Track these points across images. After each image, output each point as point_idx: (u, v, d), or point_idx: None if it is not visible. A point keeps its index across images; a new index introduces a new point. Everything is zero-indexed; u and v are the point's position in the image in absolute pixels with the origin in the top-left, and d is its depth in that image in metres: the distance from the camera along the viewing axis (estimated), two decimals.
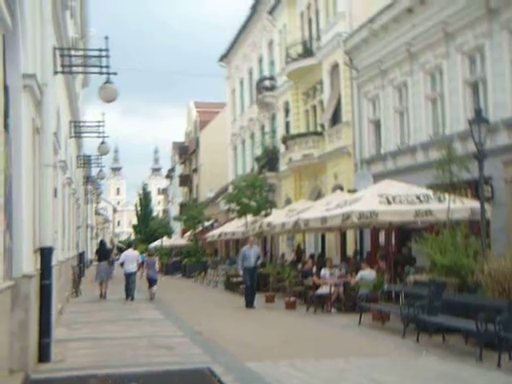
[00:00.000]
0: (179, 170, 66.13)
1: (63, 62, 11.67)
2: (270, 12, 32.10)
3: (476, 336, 9.68)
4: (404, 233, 18.79)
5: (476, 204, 13.46)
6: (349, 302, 15.61)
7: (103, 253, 23.27)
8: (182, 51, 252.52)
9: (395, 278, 15.93)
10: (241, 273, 18.81)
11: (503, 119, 15.20)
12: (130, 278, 21.25)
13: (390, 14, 20.48)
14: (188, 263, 37.94)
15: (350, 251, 22.50)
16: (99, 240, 35.64)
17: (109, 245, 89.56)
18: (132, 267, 21.50)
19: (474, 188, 13.89)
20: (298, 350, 10.49)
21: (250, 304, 17.56)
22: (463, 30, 16.98)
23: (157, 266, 22.76)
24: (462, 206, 13.81)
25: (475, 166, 12.60)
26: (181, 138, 68.69)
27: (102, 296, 21.30)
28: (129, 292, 21.10)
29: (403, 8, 19.68)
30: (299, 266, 22.00)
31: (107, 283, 21.83)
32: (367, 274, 15.52)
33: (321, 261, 20.55)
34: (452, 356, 9.61)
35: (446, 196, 13.64)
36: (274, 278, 19.97)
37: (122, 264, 22.22)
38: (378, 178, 19.92)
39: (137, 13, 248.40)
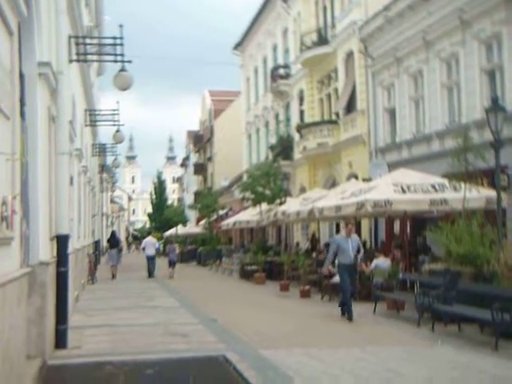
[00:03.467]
0: (194, 158, 66.24)
1: (78, 50, 11.70)
2: (285, 0, 31.91)
3: (491, 325, 9.64)
4: (419, 222, 18.68)
5: (492, 193, 13.37)
6: (364, 290, 15.57)
7: (113, 242, 27.28)
8: (197, 40, 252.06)
9: (410, 267, 15.89)
10: (324, 270, 14.35)
11: None
12: (150, 260, 26.33)
13: (405, 2, 20.30)
14: (203, 251, 38.09)
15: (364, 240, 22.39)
16: (111, 230, 38.35)
17: (125, 233, 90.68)
18: (151, 251, 26.64)
19: (490, 177, 13.77)
20: (313, 338, 10.50)
21: (349, 314, 12.58)
22: (480, 18, 16.79)
23: (177, 250, 28.93)
24: (478, 195, 13.71)
25: (491, 155, 12.51)
26: (195, 127, 68.79)
27: (114, 277, 24.91)
28: (150, 271, 25.91)
29: None
30: (314, 254, 22.01)
31: (117, 267, 25.63)
32: (381, 262, 15.47)
33: None
34: (467, 346, 9.57)
35: (462, 185, 13.55)
36: (288, 267, 19.98)
37: (143, 249, 27.55)
38: (392, 166, 19.85)
39: (152, 1, 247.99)
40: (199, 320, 12.81)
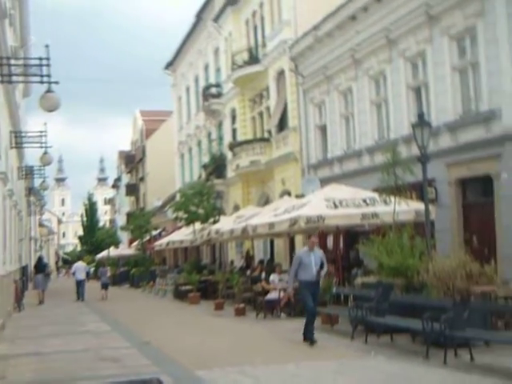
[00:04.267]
0: (126, 179, 65.31)
1: (2, 71, 11.35)
2: (215, 19, 32.03)
3: (422, 335, 9.81)
4: (351, 236, 18.95)
5: (421, 206, 13.65)
6: (299, 306, 15.57)
7: (40, 267, 27.74)
8: (130, 59, 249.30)
9: (343, 281, 16.04)
10: (290, 289, 12.70)
11: (445, 122, 15.54)
12: (80, 283, 26.77)
13: (334, 21, 20.71)
14: (136, 273, 37.40)
15: None
16: (38, 255, 38.83)
17: (54, 257, 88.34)
18: (81, 276, 27.17)
19: (419, 190, 14.10)
20: (248, 356, 10.38)
21: (310, 336, 11.27)
22: (405, 36, 17.31)
23: (108, 273, 30.53)
24: (407, 208, 14.01)
25: (419, 169, 12.80)
26: (127, 147, 67.90)
27: (41, 303, 24.49)
28: (79, 295, 26.34)
29: (347, 15, 19.92)
30: (248, 272, 21.94)
31: (44, 292, 25.51)
32: None
33: (270, 266, 20.51)
34: (400, 355, 9.71)
35: (392, 199, 13.81)
36: (223, 285, 19.83)
37: (73, 273, 28.00)
38: (325, 182, 20.05)
39: (81, 17, 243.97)
40: (132, 343, 12.50)
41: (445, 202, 15.46)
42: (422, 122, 13.22)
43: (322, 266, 11.84)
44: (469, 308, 9.36)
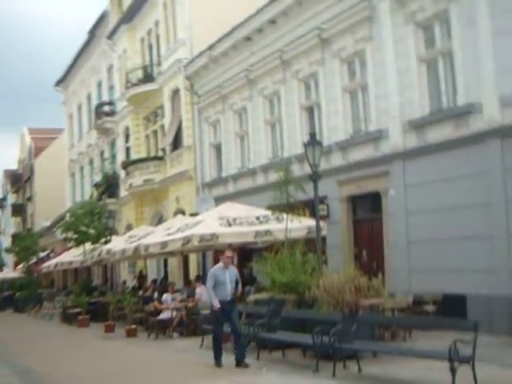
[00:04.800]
0: (12, 199, 62.46)
1: None
2: (109, 37, 31.44)
3: (313, 349, 9.84)
4: (245, 253, 18.96)
5: (313, 222, 13.84)
6: (191, 325, 15.31)
7: None
8: (16, 71, 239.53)
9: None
10: (216, 307, 11.00)
11: (337, 142, 15.95)
12: None
13: (229, 42, 20.87)
14: (21, 297, 35.47)
15: (193, 274, 22.29)
16: None
17: None
18: None
19: (311, 207, 14.30)
20: (137, 379, 10.00)
21: (217, 360, 10.63)
22: (298, 58, 17.69)
23: None
24: (300, 225, 14.18)
25: (311, 187, 13.00)
26: (14, 166, 64.92)
27: None
28: None
29: (242, 36, 20.13)
30: (140, 292, 21.40)
31: None
32: (200, 292, 15.43)
33: (163, 286, 20.10)
34: (291, 370, 9.69)
35: (284, 216, 13.92)
36: (114, 307, 19.13)
37: None
38: (219, 200, 20.00)
39: None
40: (12, 371, 11.68)
41: (336, 218, 15.81)
42: (313, 141, 13.49)
43: (237, 284, 11.35)
44: (357, 321, 9.51)
